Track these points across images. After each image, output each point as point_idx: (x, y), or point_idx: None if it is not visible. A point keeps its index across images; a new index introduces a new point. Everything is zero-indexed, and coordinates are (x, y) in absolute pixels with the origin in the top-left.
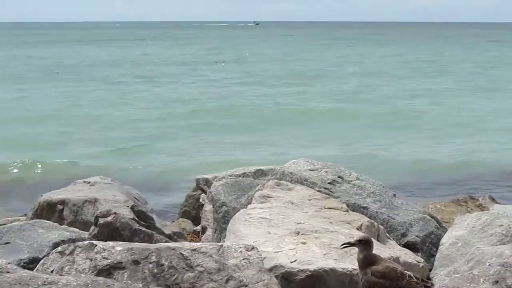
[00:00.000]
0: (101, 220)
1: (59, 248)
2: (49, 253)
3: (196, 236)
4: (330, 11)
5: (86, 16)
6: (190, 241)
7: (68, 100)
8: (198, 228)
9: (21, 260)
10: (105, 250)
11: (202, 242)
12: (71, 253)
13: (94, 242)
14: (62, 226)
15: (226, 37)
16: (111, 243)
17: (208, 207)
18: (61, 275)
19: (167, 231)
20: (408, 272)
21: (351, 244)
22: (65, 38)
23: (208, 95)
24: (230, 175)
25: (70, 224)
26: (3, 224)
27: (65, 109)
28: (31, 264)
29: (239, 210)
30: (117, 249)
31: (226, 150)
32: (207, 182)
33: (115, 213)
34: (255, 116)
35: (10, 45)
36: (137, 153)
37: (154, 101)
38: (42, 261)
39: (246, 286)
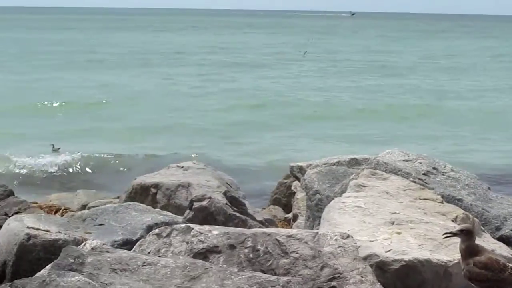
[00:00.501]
0: (196, 204)
1: (156, 230)
2: (142, 236)
3: (287, 223)
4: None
5: (173, 3)
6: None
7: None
8: (289, 215)
9: (115, 241)
10: (202, 233)
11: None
12: (168, 235)
13: (191, 225)
14: (155, 210)
15: (318, 27)
16: (207, 227)
17: (300, 195)
18: (159, 256)
19: (258, 218)
20: (510, 265)
21: (453, 234)
22: (151, 24)
23: (295, 86)
24: (324, 163)
25: (163, 208)
26: (96, 206)
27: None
28: (124, 246)
29: (332, 199)
30: (214, 233)
31: (318, 140)
32: (301, 170)
33: (210, 197)
34: (341, 108)
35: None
36: (229, 140)
37: (242, 90)
38: (139, 242)
39: (341, 274)
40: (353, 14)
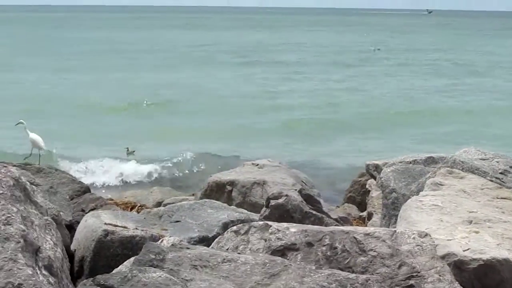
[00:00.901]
0: (272, 202)
1: (234, 228)
2: (218, 233)
3: (362, 221)
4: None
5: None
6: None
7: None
8: (364, 213)
9: (191, 238)
10: (280, 231)
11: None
12: (246, 232)
13: (269, 223)
14: (231, 207)
15: (393, 25)
16: (285, 224)
17: (374, 193)
18: (238, 253)
19: (333, 216)
20: None
21: None
22: (214, 22)
23: (369, 85)
24: (400, 162)
25: (239, 205)
26: (172, 203)
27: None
28: (200, 243)
29: (408, 197)
30: (291, 231)
31: (393, 139)
32: (377, 168)
33: (286, 195)
34: (416, 107)
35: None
36: (304, 138)
37: (316, 90)
38: (217, 239)
39: (419, 272)
40: (430, 12)
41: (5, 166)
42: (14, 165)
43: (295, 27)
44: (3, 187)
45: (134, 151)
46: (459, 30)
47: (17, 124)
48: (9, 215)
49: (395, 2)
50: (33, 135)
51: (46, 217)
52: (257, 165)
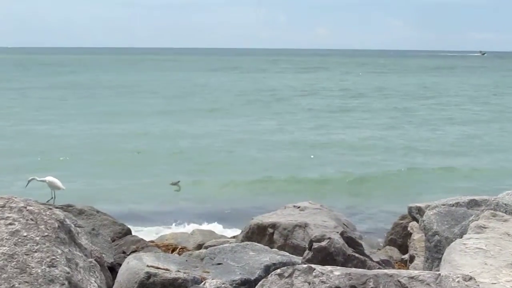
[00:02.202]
0: (315, 245)
1: (278, 271)
2: (260, 276)
3: (404, 264)
4: None
5: (291, 43)
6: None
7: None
8: (406, 256)
9: (233, 281)
10: (324, 274)
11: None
12: (290, 275)
13: (313, 266)
14: (273, 249)
15: (434, 68)
16: (329, 267)
17: (416, 236)
18: None
19: (375, 259)
20: None
21: None
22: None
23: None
24: (443, 204)
25: (280, 248)
26: (214, 245)
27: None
28: (243, 285)
29: (451, 240)
30: (335, 274)
31: (437, 177)
32: (420, 211)
33: (329, 238)
34: (463, 147)
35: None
36: (345, 180)
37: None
38: (261, 282)
39: None
40: (483, 54)
41: (50, 209)
42: (57, 207)
43: (333, 69)
44: (48, 229)
45: (179, 181)
46: None
47: (28, 184)
48: (53, 257)
49: (422, 43)
50: (49, 178)
51: (90, 259)
52: (299, 207)
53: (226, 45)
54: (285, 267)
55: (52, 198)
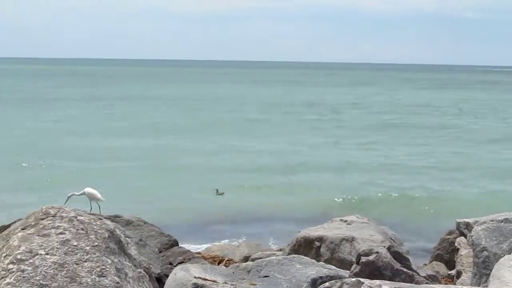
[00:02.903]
0: (363, 259)
1: (327, 284)
2: None
3: (451, 280)
4: None
5: (335, 57)
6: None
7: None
8: (453, 272)
9: None
10: None
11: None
12: None
13: (361, 279)
14: (319, 263)
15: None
16: (377, 281)
17: (464, 251)
18: None
19: (422, 274)
20: None
21: None
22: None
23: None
24: (491, 220)
25: (327, 261)
26: (260, 258)
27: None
28: None
29: (500, 256)
30: None
31: (483, 194)
32: (468, 226)
33: (377, 252)
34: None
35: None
36: (391, 195)
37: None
38: None
39: None
40: None
41: (100, 219)
42: (105, 217)
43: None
44: (98, 239)
45: (223, 193)
46: None
47: (67, 200)
48: (103, 267)
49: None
50: (88, 189)
51: (139, 270)
52: (346, 221)
53: (276, 59)
54: (334, 280)
55: (91, 209)
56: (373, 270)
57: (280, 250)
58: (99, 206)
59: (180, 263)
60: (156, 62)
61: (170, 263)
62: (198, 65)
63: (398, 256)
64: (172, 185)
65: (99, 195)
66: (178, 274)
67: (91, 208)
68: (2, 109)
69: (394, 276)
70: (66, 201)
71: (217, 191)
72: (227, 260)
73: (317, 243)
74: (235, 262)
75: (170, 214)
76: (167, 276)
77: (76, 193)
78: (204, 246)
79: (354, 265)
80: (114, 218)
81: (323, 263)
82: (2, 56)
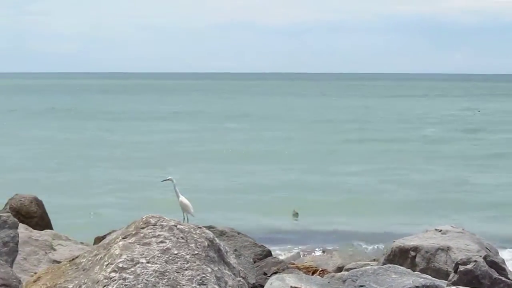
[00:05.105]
0: (461, 268)
1: None
2: None
3: None
4: None
5: (423, 68)
6: None
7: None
8: None
9: None
10: None
11: None
12: None
13: None
14: (415, 272)
15: None
16: None
17: None
18: None
19: None
20: None
21: None
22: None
23: None
24: None
25: (422, 271)
26: (354, 268)
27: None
28: None
29: None
30: None
31: None
32: None
33: (475, 261)
34: None
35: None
36: (484, 204)
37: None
38: None
39: None
40: None
41: (200, 227)
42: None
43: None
44: (198, 248)
45: (297, 213)
46: None
47: (165, 180)
48: (204, 275)
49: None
50: (183, 199)
51: (238, 278)
52: (440, 231)
53: (361, 70)
54: None
55: (184, 219)
56: (472, 279)
57: (374, 260)
58: (187, 219)
59: (275, 273)
60: (247, 75)
61: (265, 273)
62: (285, 78)
63: (494, 265)
64: (258, 196)
65: (191, 209)
66: (274, 283)
67: (184, 218)
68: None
69: (492, 285)
70: (163, 181)
71: (294, 211)
72: (321, 271)
73: (412, 253)
74: (329, 272)
75: (258, 225)
76: (262, 286)
77: (174, 182)
78: (296, 257)
79: (452, 274)
80: (208, 228)
81: (418, 272)
82: (96, 71)
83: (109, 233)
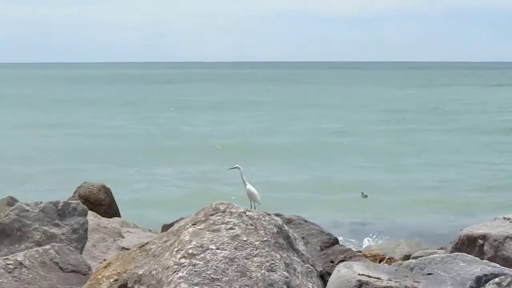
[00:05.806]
0: None
1: (496, 279)
2: (472, 287)
3: None
4: None
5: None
6: None
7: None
8: None
9: None
10: None
11: None
12: (508, 284)
13: None
14: (483, 261)
15: None
16: None
17: None
18: None
19: None
20: None
21: None
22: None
23: None
24: None
25: (490, 259)
26: (422, 256)
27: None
28: None
29: None
30: None
31: None
32: None
33: None
34: None
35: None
36: None
37: None
38: None
39: None
40: None
41: (269, 214)
42: None
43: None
44: (267, 234)
45: (366, 196)
46: None
47: (232, 168)
48: (273, 262)
49: None
50: (250, 188)
51: (307, 265)
52: (509, 219)
53: (417, 59)
54: (503, 276)
55: (251, 207)
56: None
57: (441, 248)
58: (254, 207)
59: (342, 261)
60: (298, 64)
61: (332, 261)
62: (341, 66)
63: None
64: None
65: (258, 197)
66: (341, 271)
67: (251, 206)
68: None
69: None
70: (231, 168)
71: (362, 194)
72: (388, 259)
73: (480, 241)
74: (396, 260)
75: (323, 213)
76: (329, 274)
77: (241, 170)
78: (363, 245)
79: None
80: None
81: (486, 261)
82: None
83: (177, 221)
